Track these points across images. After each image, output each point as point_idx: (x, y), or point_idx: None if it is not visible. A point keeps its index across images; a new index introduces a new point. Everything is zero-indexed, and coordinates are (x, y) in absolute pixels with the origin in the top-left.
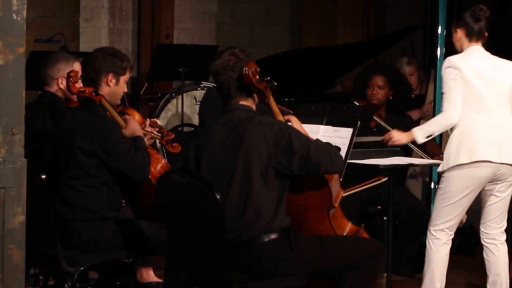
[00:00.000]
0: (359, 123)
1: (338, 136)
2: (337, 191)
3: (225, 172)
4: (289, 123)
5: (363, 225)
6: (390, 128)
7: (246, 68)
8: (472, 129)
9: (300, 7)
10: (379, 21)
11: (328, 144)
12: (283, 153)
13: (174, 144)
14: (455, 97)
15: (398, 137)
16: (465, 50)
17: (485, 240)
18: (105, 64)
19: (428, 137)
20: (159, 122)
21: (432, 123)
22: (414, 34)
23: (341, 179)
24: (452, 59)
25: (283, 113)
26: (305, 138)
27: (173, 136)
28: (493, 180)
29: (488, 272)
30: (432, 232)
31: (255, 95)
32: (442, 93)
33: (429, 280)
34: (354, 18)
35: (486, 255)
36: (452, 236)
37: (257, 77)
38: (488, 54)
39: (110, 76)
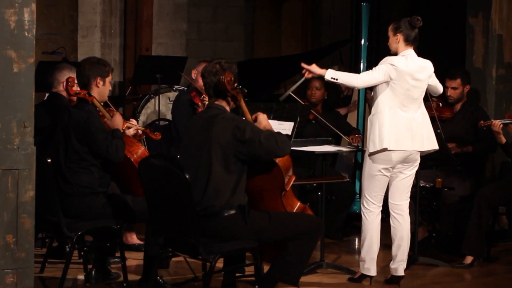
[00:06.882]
0: (298, 118)
1: (282, 129)
2: (290, 177)
3: (195, 155)
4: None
5: (308, 203)
6: (324, 120)
7: (223, 77)
8: (395, 123)
9: (252, 27)
10: (315, 37)
11: (277, 133)
12: (238, 142)
13: (156, 133)
14: (373, 81)
15: (314, 68)
16: (401, 53)
17: (394, 211)
18: (93, 71)
19: (332, 78)
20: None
21: (345, 74)
22: (343, 47)
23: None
24: (393, 58)
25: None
26: (257, 130)
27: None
28: (402, 162)
29: (394, 237)
30: (366, 206)
31: (229, 98)
32: (372, 69)
33: (368, 245)
34: (295, 35)
35: (392, 223)
36: (380, 208)
37: (231, 85)
38: (416, 56)
39: (98, 79)
